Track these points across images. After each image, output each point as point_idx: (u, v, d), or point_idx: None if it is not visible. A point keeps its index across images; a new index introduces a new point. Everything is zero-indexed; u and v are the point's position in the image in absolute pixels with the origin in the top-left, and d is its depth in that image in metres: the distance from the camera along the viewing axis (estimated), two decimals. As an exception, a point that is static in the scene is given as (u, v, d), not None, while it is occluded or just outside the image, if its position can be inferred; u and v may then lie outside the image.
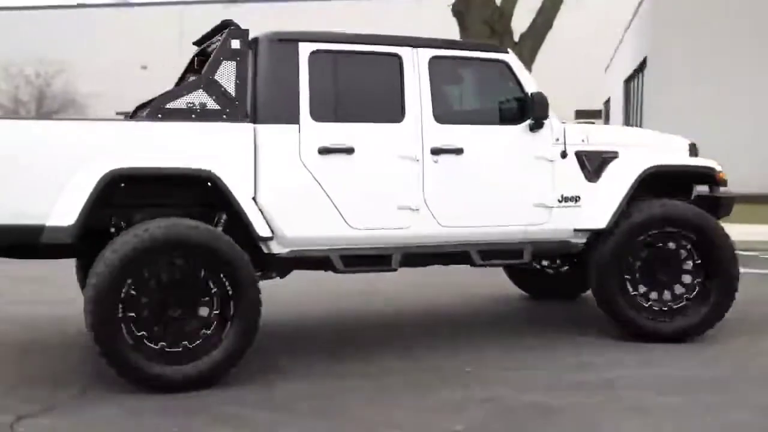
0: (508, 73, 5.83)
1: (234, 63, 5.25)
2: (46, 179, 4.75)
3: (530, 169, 5.82)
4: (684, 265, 6.06)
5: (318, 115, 5.33)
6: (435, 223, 5.59)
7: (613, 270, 5.94)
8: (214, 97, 5.19)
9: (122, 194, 5.12)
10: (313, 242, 5.37)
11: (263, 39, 5.35)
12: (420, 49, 5.61)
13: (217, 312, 4.96)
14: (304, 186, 5.29)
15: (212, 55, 5.26)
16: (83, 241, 4.99)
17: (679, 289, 6.06)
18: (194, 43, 6.32)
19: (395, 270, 5.57)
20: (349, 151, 5.37)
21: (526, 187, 5.81)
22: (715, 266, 5.98)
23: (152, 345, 4.83)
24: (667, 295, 6.07)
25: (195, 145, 5.05)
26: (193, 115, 5.15)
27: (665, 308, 6.04)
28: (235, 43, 5.26)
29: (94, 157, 4.82)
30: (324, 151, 5.31)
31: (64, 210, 4.75)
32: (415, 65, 5.57)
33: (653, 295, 6.06)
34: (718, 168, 6.24)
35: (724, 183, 6.26)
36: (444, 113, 5.63)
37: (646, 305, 6.02)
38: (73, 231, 4.75)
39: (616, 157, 6.09)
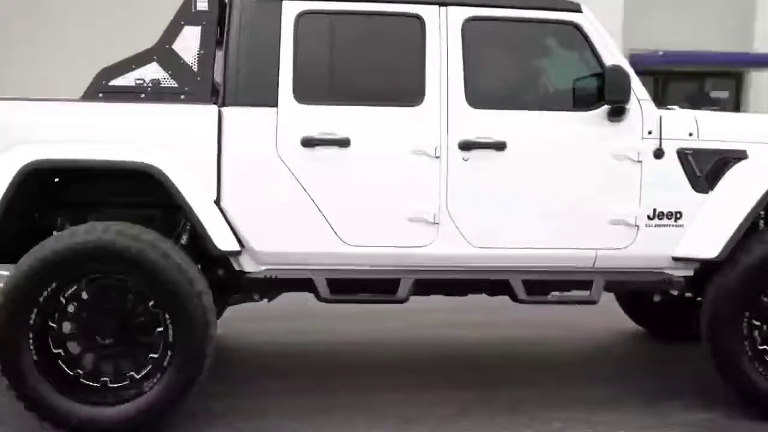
0: (580, 39, 4.24)
1: (198, 29, 4.14)
2: None
3: (606, 172, 4.21)
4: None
5: (304, 95, 4.09)
6: (463, 242, 4.18)
7: (736, 318, 4.21)
8: (170, 72, 4.12)
9: (73, 191, 4.26)
10: (292, 260, 4.16)
11: None
12: (451, 8, 4.18)
13: (152, 344, 3.91)
14: (281, 187, 4.09)
15: (172, 19, 4.18)
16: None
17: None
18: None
19: (404, 301, 4.21)
20: (344, 143, 4.08)
21: (598, 198, 4.22)
22: None
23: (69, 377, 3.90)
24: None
25: (140, 133, 4.00)
26: (143, 95, 4.12)
27: None
28: (202, 4, 4.15)
29: (15, 146, 3.93)
30: (309, 142, 4.07)
31: None
32: (443, 30, 4.17)
33: None
34: None
35: None
36: (481, 95, 4.17)
37: None
38: None
39: (742, 157, 4.31)
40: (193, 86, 4.11)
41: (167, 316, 3.85)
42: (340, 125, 4.09)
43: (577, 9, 4.26)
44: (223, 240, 4.02)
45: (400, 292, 4.16)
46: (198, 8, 4.13)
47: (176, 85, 4.11)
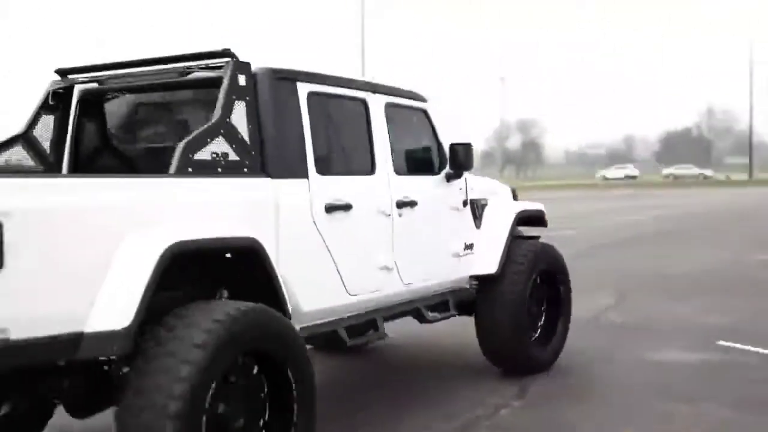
0: (426, 121, 5.72)
1: (243, 103, 4.24)
2: None
3: (449, 219, 5.80)
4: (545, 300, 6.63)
5: (320, 167, 4.61)
6: (400, 282, 5.24)
7: (523, 311, 6.14)
8: (233, 146, 4.13)
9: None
10: (322, 315, 4.62)
11: (262, 75, 4.39)
12: (378, 95, 5.19)
13: None
14: (316, 250, 4.53)
15: (222, 93, 4.14)
16: None
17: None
18: (57, 72, 4.86)
19: (384, 337, 5.05)
20: (348, 207, 4.73)
21: (448, 238, 5.78)
22: (564, 297, 6.68)
23: None
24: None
25: (239, 209, 4.08)
26: (219, 169, 4.05)
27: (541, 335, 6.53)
28: (242, 79, 4.26)
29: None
30: (330, 208, 4.61)
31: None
32: (378, 112, 5.15)
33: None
34: (544, 210, 6.92)
35: (546, 223, 6.96)
36: (398, 164, 5.30)
37: (536, 336, 6.45)
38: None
39: (486, 204, 6.36)
40: (250, 160, 4.19)
41: None
42: (344, 192, 4.72)
43: (424, 99, 5.70)
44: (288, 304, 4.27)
45: (380, 329, 4.99)
46: (240, 84, 4.20)
47: (239, 159, 4.12)
